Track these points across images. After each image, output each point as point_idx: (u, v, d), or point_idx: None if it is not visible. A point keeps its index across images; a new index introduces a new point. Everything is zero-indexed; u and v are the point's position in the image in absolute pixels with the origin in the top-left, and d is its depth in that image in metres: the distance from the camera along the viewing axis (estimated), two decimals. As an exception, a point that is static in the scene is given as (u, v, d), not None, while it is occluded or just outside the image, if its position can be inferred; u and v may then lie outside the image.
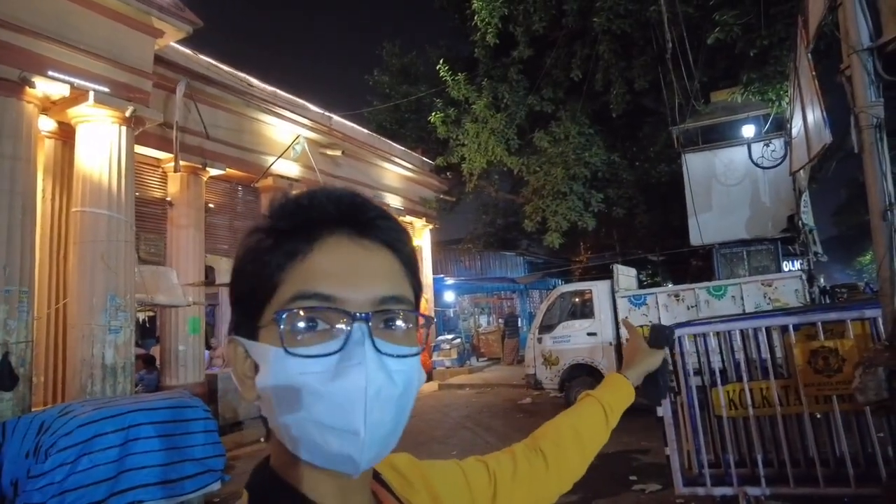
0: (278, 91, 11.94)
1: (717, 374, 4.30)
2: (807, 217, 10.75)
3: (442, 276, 18.75)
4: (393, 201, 15.25)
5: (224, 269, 10.45)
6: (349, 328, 0.54)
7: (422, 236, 16.86)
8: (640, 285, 18.22)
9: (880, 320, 3.83)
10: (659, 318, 8.51)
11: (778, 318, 4.28)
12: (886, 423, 3.87)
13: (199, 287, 9.83)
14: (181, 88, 9.25)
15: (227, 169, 10.55)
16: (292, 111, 11.86)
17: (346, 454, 0.54)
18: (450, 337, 17.09)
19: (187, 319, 9.59)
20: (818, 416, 4.16)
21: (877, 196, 3.80)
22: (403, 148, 16.25)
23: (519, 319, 19.13)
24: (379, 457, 0.57)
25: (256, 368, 0.58)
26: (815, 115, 5.86)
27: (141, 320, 13.79)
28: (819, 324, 4.09)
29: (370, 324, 0.55)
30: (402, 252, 0.62)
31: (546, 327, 9.52)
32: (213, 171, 10.29)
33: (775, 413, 4.18)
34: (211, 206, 10.66)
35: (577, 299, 9.60)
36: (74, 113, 7.16)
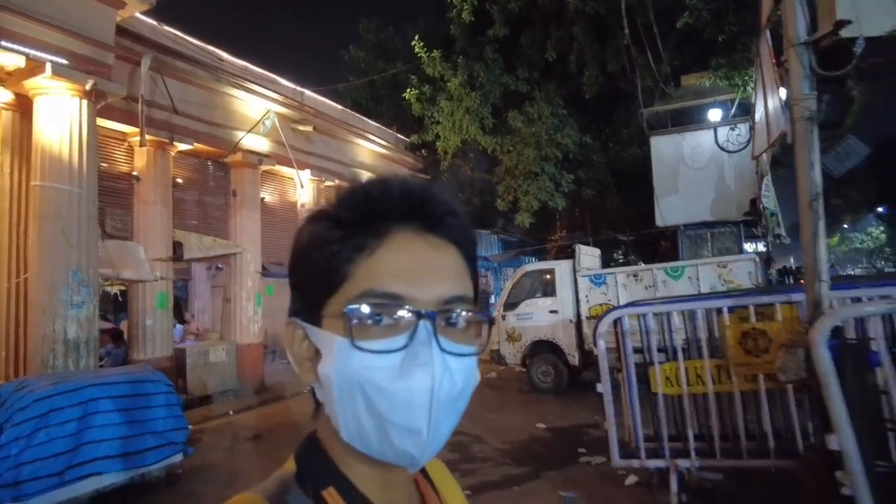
0: (249, 65, 11.77)
1: (656, 353, 4.50)
2: (768, 201, 11.03)
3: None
4: (367, 178, 15.23)
5: (193, 245, 10.40)
6: (415, 326, 0.55)
7: (396, 214, 16.86)
8: (617, 264, 18.61)
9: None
10: (618, 298, 8.76)
11: (713, 300, 4.48)
12: (807, 400, 4.11)
13: (167, 262, 9.81)
14: (146, 62, 9.08)
15: (196, 144, 10.44)
16: (263, 86, 11.71)
17: (407, 451, 0.55)
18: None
19: (155, 294, 9.58)
20: (746, 393, 4.40)
21: (806, 186, 3.98)
22: (378, 125, 16.16)
23: (491, 297, 19.36)
24: (435, 454, 0.58)
25: (317, 353, 0.59)
26: (774, 101, 6.03)
27: (113, 294, 13.72)
28: (751, 307, 4.31)
29: (435, 322, 0.55)
30: (467, 249, 0.62)
31: (510, 305, 9.73)
32: (181, 146, 10.18)
33: (708, 391, 4.41)
34: (179, 181, 10.57)
35: (540, 278, 9.81)
36: (31, 84, 7.02)
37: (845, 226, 50.55)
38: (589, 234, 18.06)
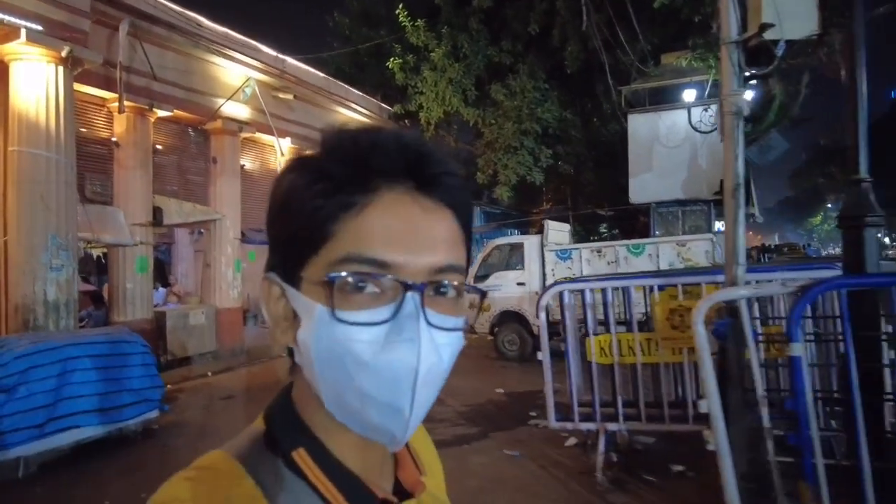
0: (230, 32, 11.76)
1: (591, 325, 4.88)
2: (735, 181, 11.35)
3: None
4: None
5: (173, 211, 10.60)
6: (402, 297, 0.51)
7: (379, 183, 17.07)
8: (600, 239, 19.04)
9: (726, 284, 4.40)
10: (581, 272, 9.15)
11: (646, 279, 4.85)
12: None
13: (147, 227, 10.02)
14: (124, 28, 9.12)
15: (175, 110, 10.53)
16: (244, 53, 11.75)
17: (388, 429, 0.53)
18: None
19: (135, 258, 9.82)
20: (672, 365, 4.81)
21: (731, 176, 4.31)
22: (361, 93, 16.21)
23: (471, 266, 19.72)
24: (416, 428, 0.55)
25: (294, 315, 0.55)
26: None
27: (96, 257, 13.93)
28: (679, 286, 4.67)
29: (423, 294, 0.52)
30: (463, 214, 0.57)
31: (480, 277, 10.12)
32: (161, 113, 10.27)
33: (637, 361, 4.81)
34: (159, 147, 10.69)
35: (510, 252, 10.19)
36: (6, 50, 7.11)
37: (829, 205, 51.30)
38: (569, 207, 18.43)
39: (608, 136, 15.57)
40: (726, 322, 3.26)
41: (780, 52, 3.98)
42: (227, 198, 11.51)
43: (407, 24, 14.59)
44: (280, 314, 0.57)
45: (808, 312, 4.36)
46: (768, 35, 3.94)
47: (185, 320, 10.43)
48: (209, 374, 9.96)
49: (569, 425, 4.96)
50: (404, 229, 0.52)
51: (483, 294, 0.62)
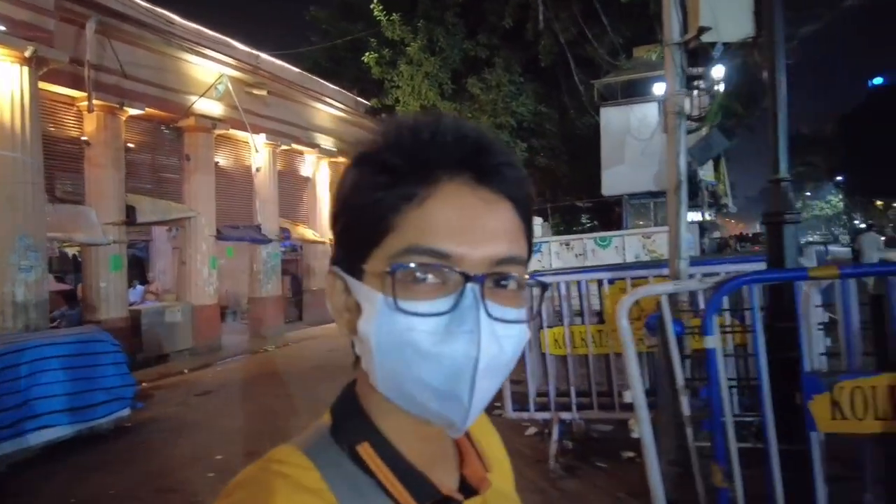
0: (202, 29, 11.73)
1: (545, 318, 5.04)
2: (703, 173, 11.60)
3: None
4: (325, 142, 15.40)
5: (147, 209, 10.61)
6: (462, 289, 0.52)
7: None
8: (583, 230, 19.29)
9: (672, 278, 4.58)
10: (551, 264, 9.34)
11: (597, 272, 5.01)
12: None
13: (120, 226, 10.03)
14: (91, 26, 9.10)
15: (147, 108, 10.50)
16: (216, 50, 11.73)
17: (447, 417, 0.54)
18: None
19: (109, 257, 9.83)
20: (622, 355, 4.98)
21: (674, 173, 4.48)
22: (337, 88, 16.22)
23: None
24: (476, 417, 0.55)
25: (357, 306, 0.56)
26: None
27: (72, 255, 13.88)
28: (628, 279, 4.85)
29: (483, 286, 0.52)
30: (524, 206, 0.57)
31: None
32: (132, 111, 10.25)
33: (589, 352, 4.99)
34: (131, 145, 10.67)
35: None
36: (-30, 51, 7.11)
37: (808, 193, 52.20)
38: (548, 200, 18.62)
39: (583, 130, 15.74)
40: (657, 316, 3.43)
41: (717, 53, 4.14)
42: (202, 195, 11.53)
43: (382, 18, 14.62)
44: (343, 306, 0.59)
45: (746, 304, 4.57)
46: (706, 38, 4.10)
47: (160, 318, 10.48)
48: (185, 370, 10.03)
49: (525, 415, 5.12)
50: (464, 221, 0.52)
51: (545, 286, 0.61)
